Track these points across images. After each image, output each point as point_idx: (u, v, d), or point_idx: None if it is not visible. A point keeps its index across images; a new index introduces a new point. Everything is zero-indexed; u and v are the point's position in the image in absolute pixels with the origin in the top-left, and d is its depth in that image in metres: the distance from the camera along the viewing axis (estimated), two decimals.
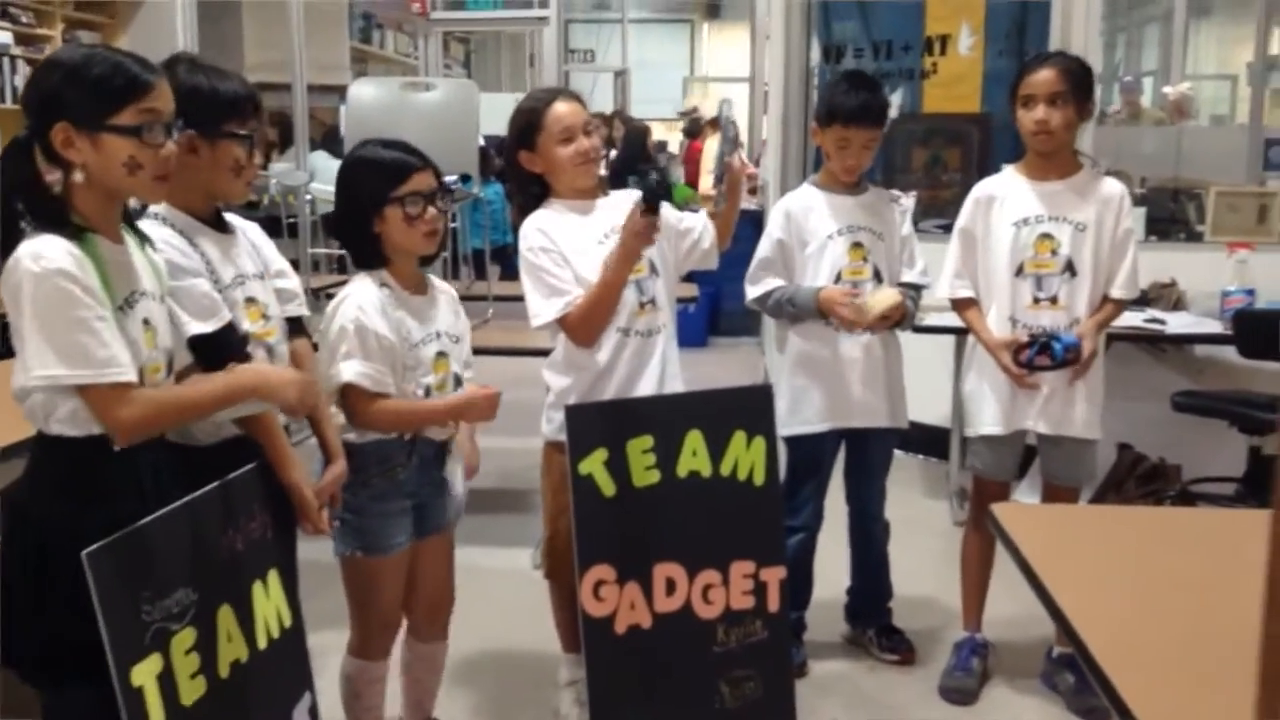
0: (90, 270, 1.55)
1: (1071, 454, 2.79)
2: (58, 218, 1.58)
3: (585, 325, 2.42)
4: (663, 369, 2.51)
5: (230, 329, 1.89)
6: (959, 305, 2.85)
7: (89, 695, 1.57)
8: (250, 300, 1.99)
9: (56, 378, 1.53)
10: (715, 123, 9.61)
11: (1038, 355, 2.67)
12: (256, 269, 2.04)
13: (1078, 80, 2.67)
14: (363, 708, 2.31)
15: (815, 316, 2.80)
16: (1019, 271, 2.74)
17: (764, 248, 2.91)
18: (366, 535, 2.18)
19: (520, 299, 2.54)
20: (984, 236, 2.79)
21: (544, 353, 2.63)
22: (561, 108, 2.43)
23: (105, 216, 1.65)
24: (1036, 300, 2.72)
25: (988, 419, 2.81)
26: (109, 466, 1.62)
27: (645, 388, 2.47)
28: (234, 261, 1.98)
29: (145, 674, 1.55)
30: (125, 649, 1.52)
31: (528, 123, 2.45)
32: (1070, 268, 2.71)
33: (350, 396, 2.11)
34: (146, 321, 1.67)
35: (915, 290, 2.90)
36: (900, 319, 2.79)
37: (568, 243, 2.44)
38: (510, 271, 5.15)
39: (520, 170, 2.49)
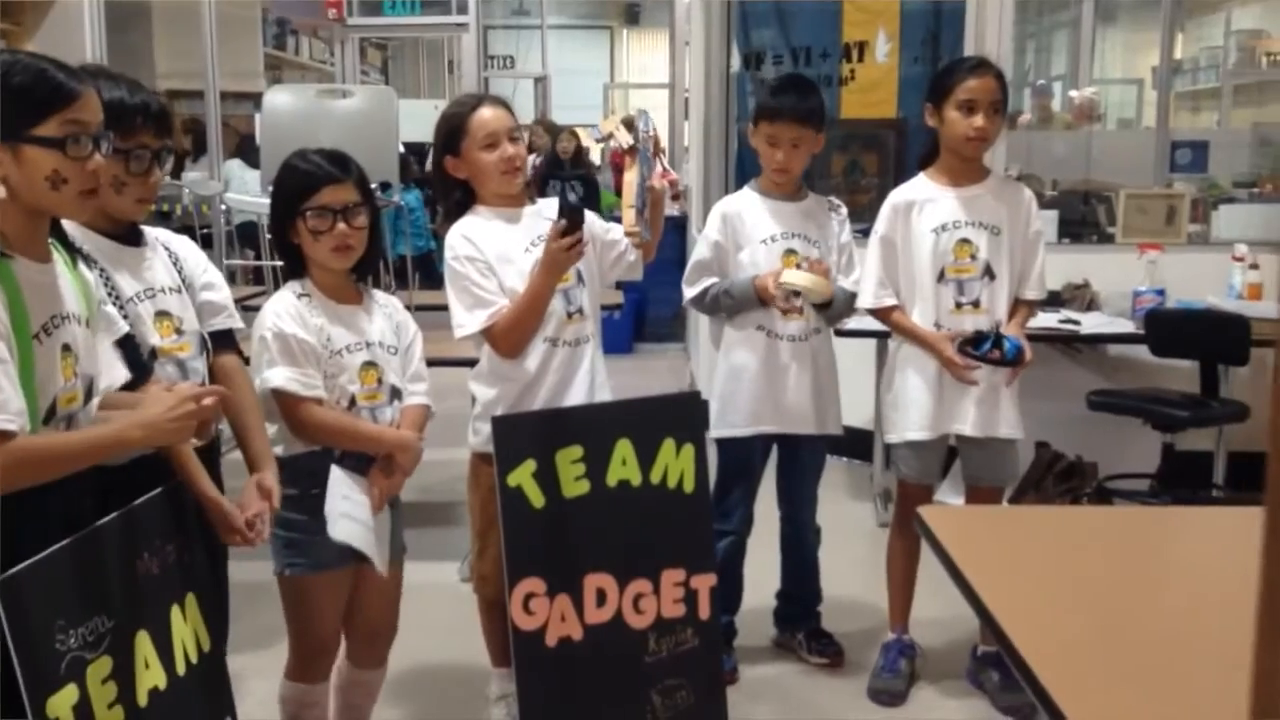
0: (1, 302, 1.47)
1: (996, 454, 2.83)
2: None
3: (510, 337, 2.41)
4: (592, 378, 2.50)
5: (128, 341, 1.83)
6: (883, 313, 2.86)
7: None
8: (162, 314, 1.94)
9: None
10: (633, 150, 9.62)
11: (991, 349, 2.70)
12: (173, 282, 2.00)
13: (1005, 89, 2.73)
14: None
15: (754, 304, 2.80)
16: (940, 277, 2.77)
17: (700, 250, 2.91)
18: (302, 552, 2.14)
19: (444, 308, 2.52)
20: (904, 243, 2.81)
21: (469, 363, 2.60)
22: (486, 113, 2.41)
23: (29, 234, 1.56)
24: (959, 305, 2.76)
25: (914, 424, 2.82)
26: (11, 512, 1.49)
27: (574, 397, 2.46)
28: (140, 275, 1.93)
29: (61, 705, 1.49)
30: (39, 681, 1.46)
31: (452, 128, 2.43)
32: (989, 271, 2.76)
33: (282, 403, 2.09)
34: (67, 347, 1.59)
35: (853, 296, 2.90)
36: (826, 302, 2.81)
37: (494, 250, 2.42)
38: (432, 279, 5.09)
39: (446, 176, 2.47)
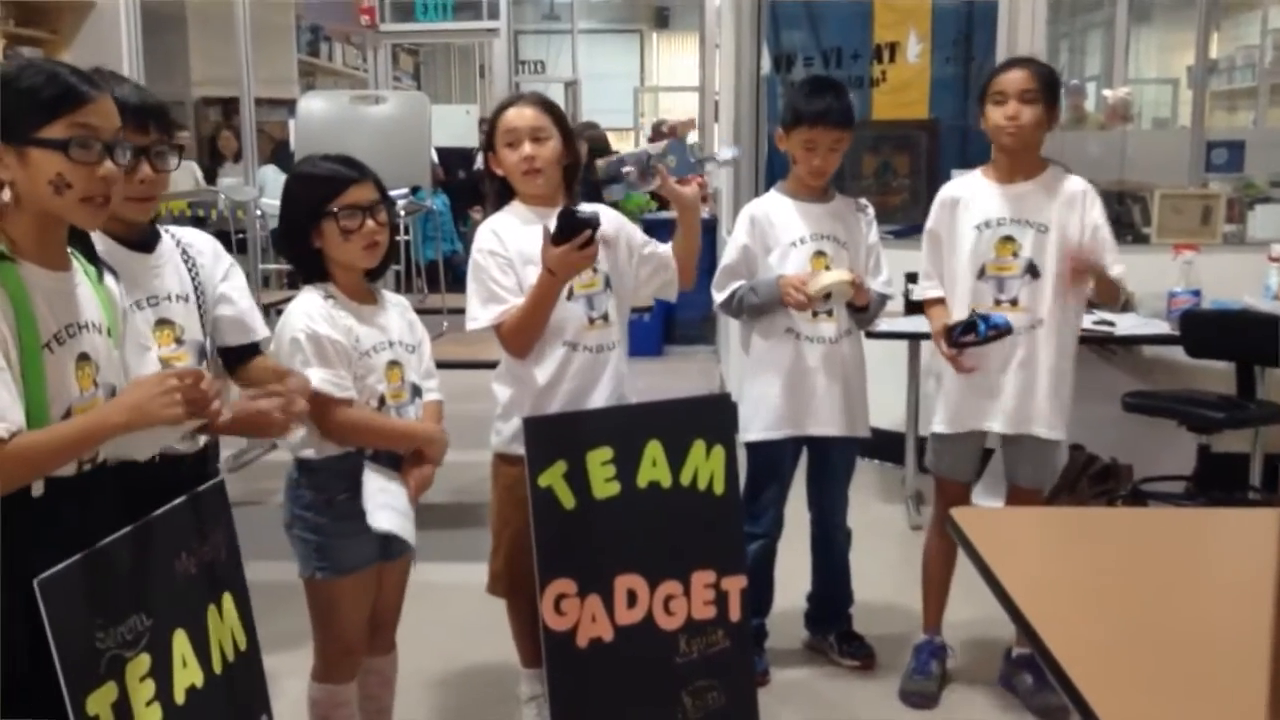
0: (4, 304, 1.46)
1: (1031, 454, 2.82)
2: None
3: (517, 337, 2.42)
4: (615, 386, 2.50)
5: None
6: (926, 304, 2.87)
7: None
8: (163, 322, 1.91)
9: None
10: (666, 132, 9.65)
11: (963, 334, 2.70)
12: (181, 289, 1.97)
13: (1046, 83, 2.72)
14: None
15: (779, 304, 2.80)
16: (981, 274, 2.77)
17: (729, 254, 2.91)
18: (329, 556, 2.15)
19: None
20: (948, 238, 2.83)
21: (494, 365, 2.62)
22: (510, 113, 2.44)
23: (42, 241, 1.55)
24: (998, 302, 2.76)
25: (939, 417, 2.87)
26: (27, 517, 1.50)
27: (595, 404, 2.46)
28: (145, 283, 1.91)
29: (100, 703, 1.51)
30: (79, 678, 1.48)
31: (491, 126, 2.50)
32: (1032, 269, 2.74)
33: (316, 405, 2.07)
34: (85, 356, 1.57)
35: (884, 298, 2.91)
36: (861, 304, 2.81)
37: (519, 249, 2.44)
38: (460, 280, 5.12)
39: (489, 171, 2.52)
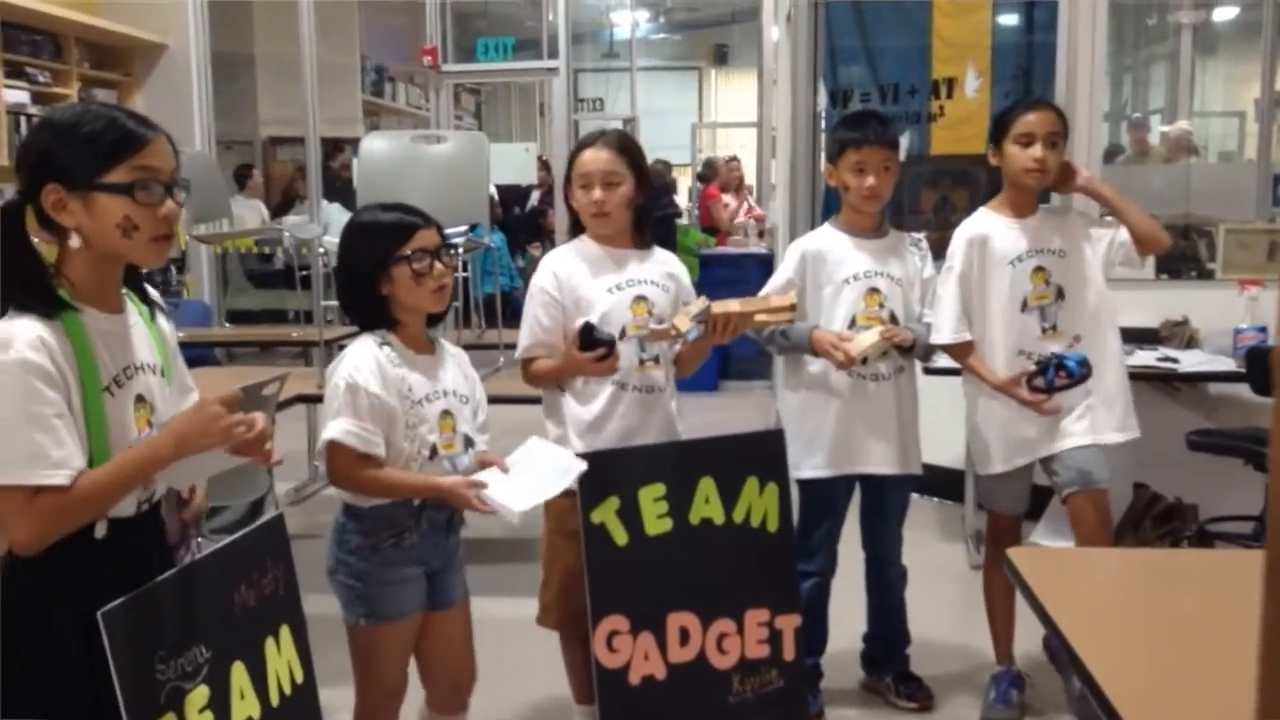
0: (67, 350, 1.49)
1: (1073, 462, 2.79)
2: (40, 293, 1.51)
3: (535, 382, 2.57)
4: (665, 426, 2.52)
5: None
6: (960, 350, 2.86)
7: None
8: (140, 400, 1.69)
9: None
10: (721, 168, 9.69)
11: (1056, 376, 2.71)
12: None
13: (1064, 124, 2.79)
14: None
15: (806, 352, 2.83)
16: (1024, 307, 2.80)
17: (772, 283, 2.91)
18: (373, 603, 2.15)
19: None
20: (980, 278, 2.84)
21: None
22: (586, 155, 2.49)
23: (101, 285, 1.59)
24: (1044, 330, 2.81)
25: (992, 458, 2.87)
26: (90, 557, 1.55)
27: (645, 443, 2.48)
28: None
29: None
30: (140, 709, 1.51)
31: (569, 163, 2.55)
32: (1061, 294, 2.81)
33: (334, 455, 2.07)
34: (140, 398, 1.61)
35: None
36: (905, 347, 2.79)
37: (575, 288, 2.49)
38: (517, 315, 5.17)
39: (567, 203, 2.59)
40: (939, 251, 2.99)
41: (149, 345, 1.67)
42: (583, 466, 2.21)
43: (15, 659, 1.54)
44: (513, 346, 4.01)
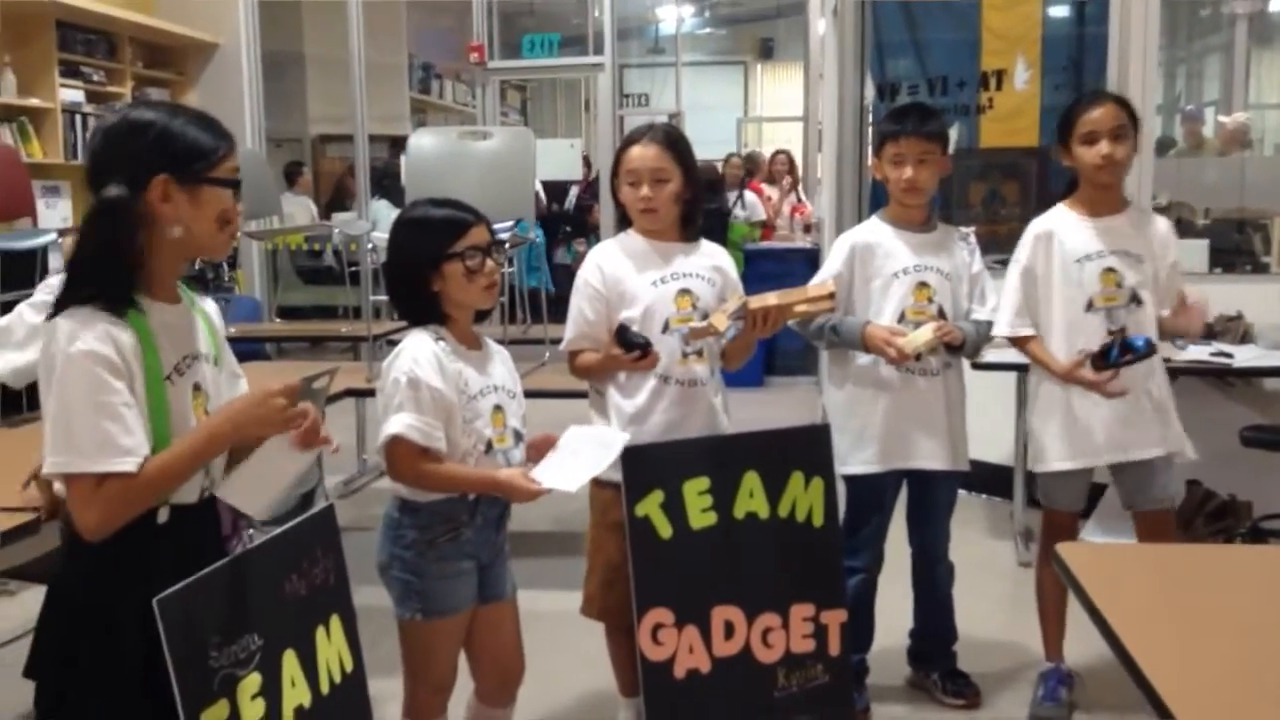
0: (132, 341, 1.54)
1: (1147, 475, 2.77)
2: (123, 287, 1.56)
3: (581, 375, 2.59)
4: (709, 419, 2.52)
5: None
6: (1020, 342, 2.84)
7: None
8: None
9: (70, 465, 1.50)
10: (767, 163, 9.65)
11: (1121, 354, 2.67)
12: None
13: (1131, 116, 2.74)
14: None
15: (858, 348, 2.80)
16: (1089, 307, 2.76)
17: (821, 275, 2.89)
18: (427, 599, 2.16)
19: None
20: (1045, 274, 2.81)
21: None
22: (634, 151, 2.50)
23: (171, 276, 1.66)
24: (1110, 333, 2.75)
25: (1055, 454, 2.82)
26: (152, 542, 1.60)
27: (689, 435, 2.48)
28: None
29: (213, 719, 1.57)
30: (194, 695, 1.54)
31: (616, 159, 2.56)
32: (1135, 298, 2.75)
33: (396, 449, 2.08)
34: (197, 387, 1.66)
35: (990, 326, 2.86)
36: (955, 344, 2.76)
37: (620, 280, 2.50)
38: (555, 309, 5.17)
39: (614, 197, 2.60)
40: (988, 246, 2.97)
41: (203, 334, 1.72)
42: (625, 438, 2.25)
43: (79, 641, 1.58)
44: (558, 341, 4.03)
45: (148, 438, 1.55)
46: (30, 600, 3.53)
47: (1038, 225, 2.85)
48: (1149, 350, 2.67)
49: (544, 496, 2.23)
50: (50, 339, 1.53)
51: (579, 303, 2.54)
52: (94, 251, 1.56)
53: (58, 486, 2.16)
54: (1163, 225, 2.85)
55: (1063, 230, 2.80)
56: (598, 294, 2.51)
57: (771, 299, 2.47)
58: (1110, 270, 2.74)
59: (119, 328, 1.54)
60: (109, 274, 1.55)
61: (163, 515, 1.61)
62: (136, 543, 1.57)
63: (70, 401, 1.50)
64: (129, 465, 1.51)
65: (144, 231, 1.58)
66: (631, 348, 2.43)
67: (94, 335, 1.50)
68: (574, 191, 9.85)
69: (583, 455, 2.17)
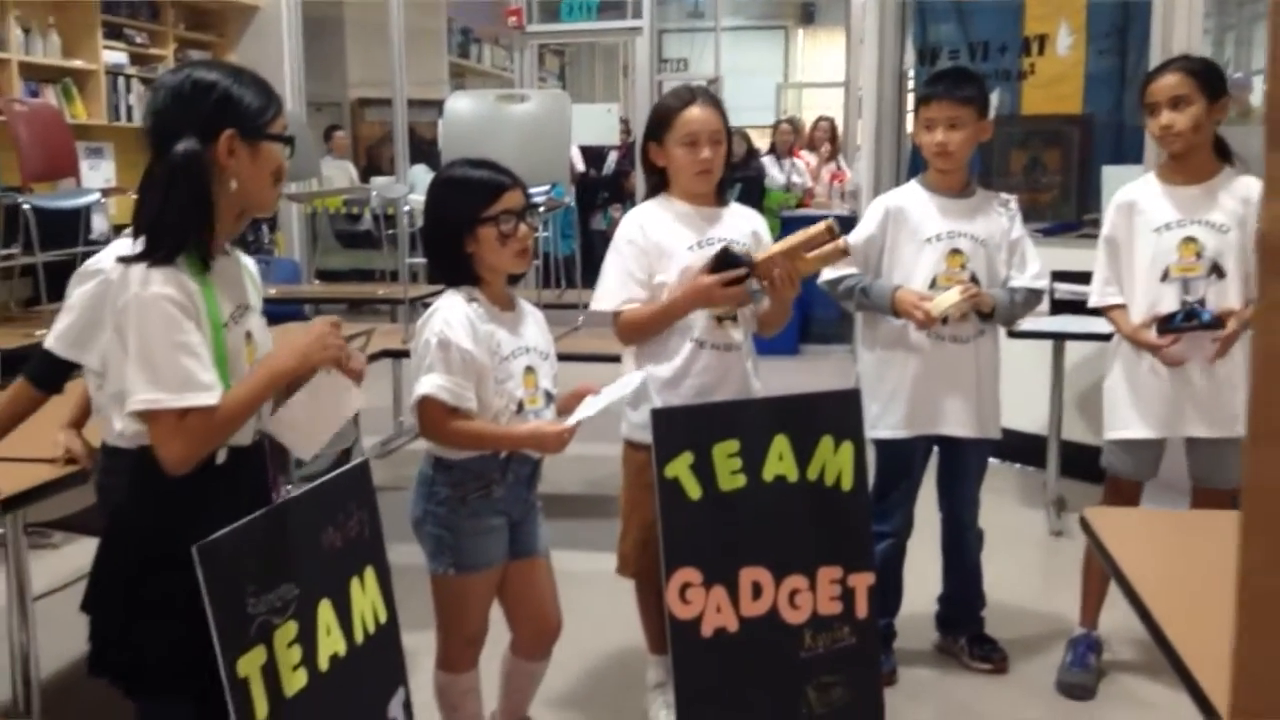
0: (197, 288, 1.61)
1: (1224, 454, 2.73)
2: (208, 233, 1.64)
3: (629, 332, 2.53)
4: (742, 384, 2.53)
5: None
6: (1107, 311, 2.84)
7: (184, 706, 1.66)
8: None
9: (158, 401, 1.57)
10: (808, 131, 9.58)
11: (1185, 320, 2.66)
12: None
13: (1203, 80, 2.68)
14: (461, 718, 2.35)
15: (886, 313, 2.79)
16: (1164, 276, 2.73)
17: (853, 237, 2.85)
18: (460, 553, 2.20)
19: None
20: (1127, 243, 2.81)
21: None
22: (693, 113, 2.48)
23: (229, 230, 1.72)
24: (1184, 303, 2.72)
25: (1122, 421, 2.81)
26: (212, 481, 1.67)
27: (722, 399, 2.49)
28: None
29: (250, 665, 1.62)
30: (232, 641, 1.59)
31: (661, 119, 2.52)
32: (1216, 269, 2.71)
33: (427, 409, 2.11)
34: (249, 335, 1.73)
35: (1031, 294, 2.84)
36: (985, 311, 2.76)
37: (659, 243, 2.50)
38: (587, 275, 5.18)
39: (646, 159, 2.57)
40: (1028, 215, 2.95)
41: (251, 287, 1.79)
42: (642, 375, 2.30)
43: (139, 576, 1.66)
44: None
45: (217, 376, 1.62)
46: (72, 553, 3.62)
47: (1120, 195, 2.84)
48: (1214, 323, 2.63)
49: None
50: (122, 286, 1.60)
51: (623, 262, 2.51)
52: (177, 203, 1.61)
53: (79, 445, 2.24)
54: (1254, 187, 2.72)
55: (1144, 199, 2.78)
56: (643, 252, 2.50)
57: (775, 248, 2.47)
58: (1190, 240, 2.71)
59: (185, 275, 1.61)
60: (191, 225, 1.62)
61: (220, 456, 1.69)
62: (195, 482, 1.64)
63: (150, 342, 1.57)
64: (210, 399, 1.59)
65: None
66: (733, 266, 2.37)
67: (164, 279, 1.58)
68: (613, 157, 9.83)
69: (603, 394, 2.20)
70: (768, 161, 8.78)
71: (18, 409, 2.25)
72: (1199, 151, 2.72)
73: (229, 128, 1.63)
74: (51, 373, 2.22)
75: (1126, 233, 2.80)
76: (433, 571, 2.24)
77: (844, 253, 2.52)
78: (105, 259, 2.15)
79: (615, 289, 2.51)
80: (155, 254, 1.59)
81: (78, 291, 2.13)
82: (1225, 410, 2.70)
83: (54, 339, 2.15)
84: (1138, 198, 2.79)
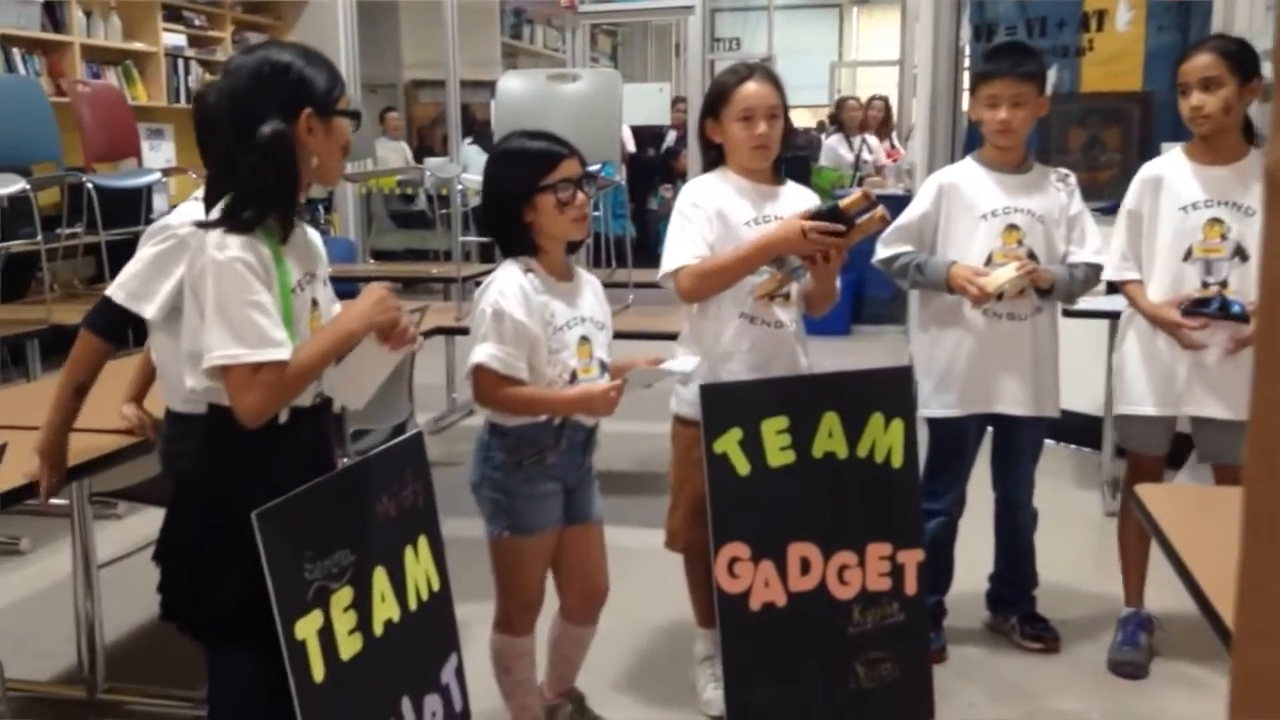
0: (268, 252, 1.68)
1: (1224, 435, 2.69)
2: (292, 208, 1.73)
3: (693, 282, 2.47)
4: (791, 361, 2.53)
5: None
6: (1122, 285, 2.80)
7: (248, 654, 1.71)
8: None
9: (236, 356, 1.63)
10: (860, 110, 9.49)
11: (1219, 308, 2.62)
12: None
13: (1236, 60, 2.62)
14: (514, 681, 2.39)
15: (941, 289, 2.77)
16: (1187, 256, 2.70)
17: (907, 214, 2.86)
18: (515, 516, 2.24)
19: (656, 286, 2.63)
20: (1150, 219, 2.76)
21: (678, 336, 2.68)
22: (750, 88, 2.47)
23: (299, 201, 1.78)
24: (1206, 285, 2.68)
25: (1135, 397, 2.79)
26: (276, 439, 1.73)
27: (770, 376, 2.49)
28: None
29: (307, 629, 1.66)
30: (290, 604, 1.63)
31: (718, 94, 2.52)
32: (1240, 252, 2.66)
33: (480, 376, 2.17)
34: (315, 302, 1.79)
35: (1091, 269, 2.80)
36: (1044, 287, 2.73)
37: (721, 210, 2.50)
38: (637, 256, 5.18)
39: (703, 136, 2.58)
40: (1087, 194, 2.91)
41: (317, 256, 1.85)
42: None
43: (208, 529, 1.73)
44: (641, 285, 4.07)
45: (286, 334, 1.68)
46: (136, 523, 3.72)
47: (1146, 170, 2.80)
48: (1244, 317, 2.59)
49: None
50: (199, 250, 1.67)
51: (690, 225, 2.49)
52: (266, 180, 1.69)
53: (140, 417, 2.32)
54: None
55: (1172, 176, 2.73)
56: (707, 218, 2.48)
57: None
58: (1215, 221, 2.67)
59: (258, 240, 1.67)
60: (276, 200, 1.70)
61: (283, 416, 1.74)
62: (261, 440, 1.71)
63: (226, 301, 1.64)
64: (283, 354, 1.65)
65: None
66: (835, 219, 2.34)
67: (239, 244, 1.65)
68: (672, 135, 9.84)
69: (661, 367, 2.25)
70: (835, 140, 8.72)
71: (89, 361, 2.29)
72: (1229, 133, 2.67)
73: (307, 106, 1.70)
74: (110, 321, 2.28)
75: (1151, 208, 2.75)
76: (490, 534, 2.29)
77: (884, 220, 2.47)
78: (174, 218, 2.26)
79: (686, 246, 2.48)
80: (234, 222, 1.66)
81: (146, 246, 2.23)
82: (1238, 393, 2.65)
83: (115, 286, 2.25)
84: (1165, 173, 2.74)
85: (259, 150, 1.67)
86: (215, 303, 1.63)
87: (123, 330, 2.31)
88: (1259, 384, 0.66)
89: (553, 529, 2.29)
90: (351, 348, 1.77)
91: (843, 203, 2.40)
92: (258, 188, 1.68)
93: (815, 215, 2.37)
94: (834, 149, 8.59)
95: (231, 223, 1.66)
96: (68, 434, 2.25)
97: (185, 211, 2.29)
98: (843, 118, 8.95)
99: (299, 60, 1.73)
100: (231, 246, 1.64)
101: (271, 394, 1.66)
